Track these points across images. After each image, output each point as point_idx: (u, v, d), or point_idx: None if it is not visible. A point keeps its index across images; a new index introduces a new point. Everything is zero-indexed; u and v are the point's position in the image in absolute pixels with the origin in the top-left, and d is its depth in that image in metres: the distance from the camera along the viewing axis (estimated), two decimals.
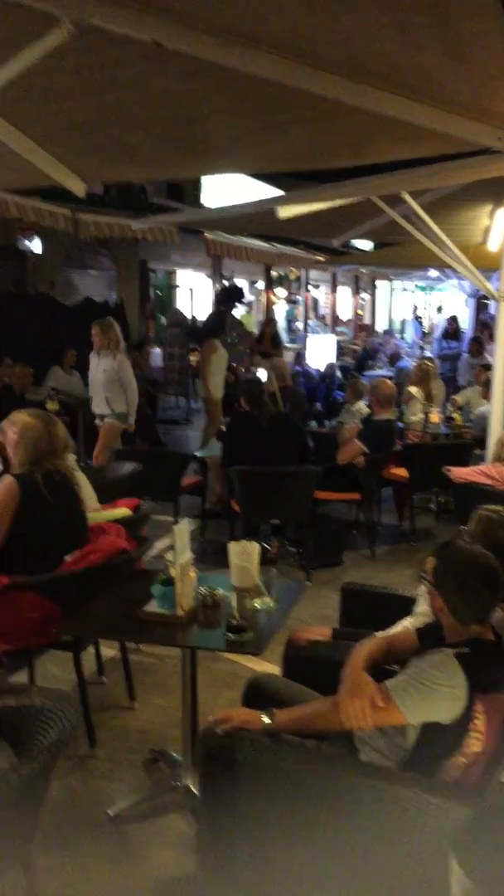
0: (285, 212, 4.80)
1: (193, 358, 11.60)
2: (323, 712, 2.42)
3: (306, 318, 18.24)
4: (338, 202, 4.89)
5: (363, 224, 6.58)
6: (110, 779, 3.36)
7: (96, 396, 7.17)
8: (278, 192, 7.10)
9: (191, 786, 3.13)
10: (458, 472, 5.23)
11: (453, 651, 2.29)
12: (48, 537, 3.54)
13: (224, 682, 4.05)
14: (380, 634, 3.17)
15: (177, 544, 2.97)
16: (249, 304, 17.07)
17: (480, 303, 14.17)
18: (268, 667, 3.78)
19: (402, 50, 2.38)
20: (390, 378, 12.45)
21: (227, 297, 10.28)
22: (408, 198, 4.87)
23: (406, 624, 3.18)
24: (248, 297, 17.84)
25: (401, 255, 9.77)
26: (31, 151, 3.18)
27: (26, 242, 9.95)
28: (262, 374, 8.69)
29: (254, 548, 3.26)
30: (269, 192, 10.18)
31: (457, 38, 2.25)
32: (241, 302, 10.87)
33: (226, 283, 12.46)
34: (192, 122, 3.29)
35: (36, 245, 10.21)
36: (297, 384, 8.82)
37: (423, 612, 2.98)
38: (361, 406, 7.46)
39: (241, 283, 16.58)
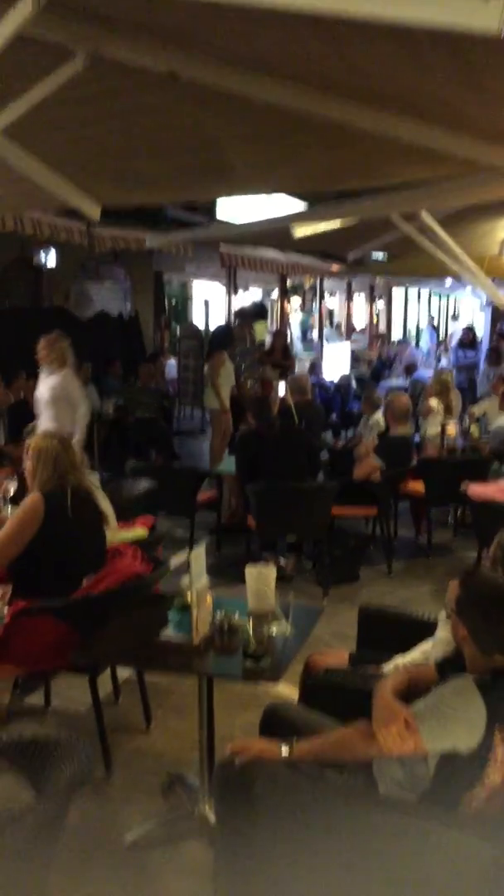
0: (300, 231, 4.80)
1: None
2: (345, 742, 2.39)
3: (321, 327, 18.21)
4: (354, 219, 4.89)
5: (378, 238, 6.57)
6: (126, 804, 3.34)
7: (42, 416, 6.56)
8: (294, 203, 7.04)
9: (208, 813, 3.10)
10: (476, 490, 5.18)
11: (473, 677, 2.27)
12: (69, 558, 3.54)
13: (241, 703, 4.02)
14: (398, 660, 3.15)
15: (193, 570, 2.95)
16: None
17: (497, 311, 14.10)
18: (285, 687, 3.76)
19: (417, 78, 2.38)
20: (405, 389, 12.44)
21: (253, 314, 10.26)
22: (424, 213, 4.85)
23: (426, 648, 3.16)
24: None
25: (416, 265, 9.74)
26: (47, 177, 3.20)
27: (42, 255, 9.98)
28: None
29: (270, 572, 3.25)
30: (285, 203, 10.17)
31: (470, 69, 2.25)
32: (262, 318, 10.86)
33: (253, 301, 12.43)
34: (208, 147, 3.30)
35: (51, 258, 10.25)
36: (313, 396, 8.77)
37: (442, 638, 2.95)
38: (379, 417, 7.43)
39: (255, 292, 16.61)
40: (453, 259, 5.52)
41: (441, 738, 2.23)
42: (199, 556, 3.01)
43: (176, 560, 6.22)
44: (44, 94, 2.41)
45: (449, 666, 2.51)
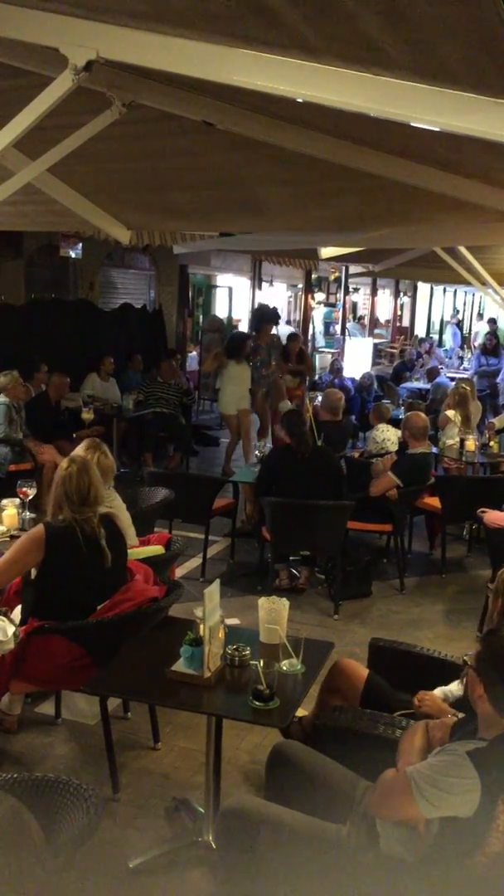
0: (326, 253, 4.77)
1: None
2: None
3: (344, 321, 18.13)
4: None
5: (404, 254, 6.51)
6: (132, 827, 3.38)
7: None
8: None
9: (211, 842, 3.15)
10: (493, 517, 5.14)
11: (465, 749, 2.27)
12: (77, 587, 3.56)
13: (248, 725, 4.04)
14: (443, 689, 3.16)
15: (206, 607, 2.98)
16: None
17: None
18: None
19: (453, 142, 2.36)
20: (427, 391, 12.37)
21: (263, 319, 10.16)
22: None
23: (447, 690, 3.15)
24: (287, 295, 17.78)
25: (444, 276, 9.65)
26: (81, 205, 3.20)
27: (70, 252, 9.99)
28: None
29: (283, 605, 3.28)
30: None
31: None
32: (276, 323, 10.64)
33: (266, 305, 12.29)
34: (241, 187, 3.29)
35: (77, 247, 10.26)
36: (345, 417, 8.50)
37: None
38: (385, 432, 7.39)
39: (280, 286, 16.50)
40: (479, 280, 5.48)
41: (438, 809, 2.23)
42: (212, 592, 3.03)
43: (191, 563, 6.24)
44: (83, 139, 2.42)
45: (461, 728, 2.51)
